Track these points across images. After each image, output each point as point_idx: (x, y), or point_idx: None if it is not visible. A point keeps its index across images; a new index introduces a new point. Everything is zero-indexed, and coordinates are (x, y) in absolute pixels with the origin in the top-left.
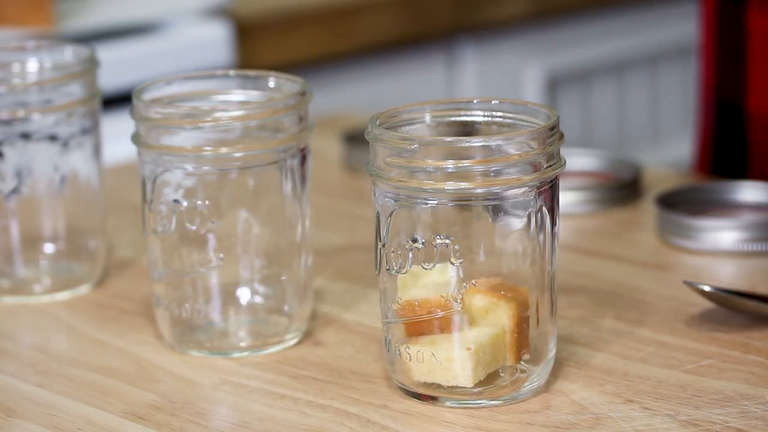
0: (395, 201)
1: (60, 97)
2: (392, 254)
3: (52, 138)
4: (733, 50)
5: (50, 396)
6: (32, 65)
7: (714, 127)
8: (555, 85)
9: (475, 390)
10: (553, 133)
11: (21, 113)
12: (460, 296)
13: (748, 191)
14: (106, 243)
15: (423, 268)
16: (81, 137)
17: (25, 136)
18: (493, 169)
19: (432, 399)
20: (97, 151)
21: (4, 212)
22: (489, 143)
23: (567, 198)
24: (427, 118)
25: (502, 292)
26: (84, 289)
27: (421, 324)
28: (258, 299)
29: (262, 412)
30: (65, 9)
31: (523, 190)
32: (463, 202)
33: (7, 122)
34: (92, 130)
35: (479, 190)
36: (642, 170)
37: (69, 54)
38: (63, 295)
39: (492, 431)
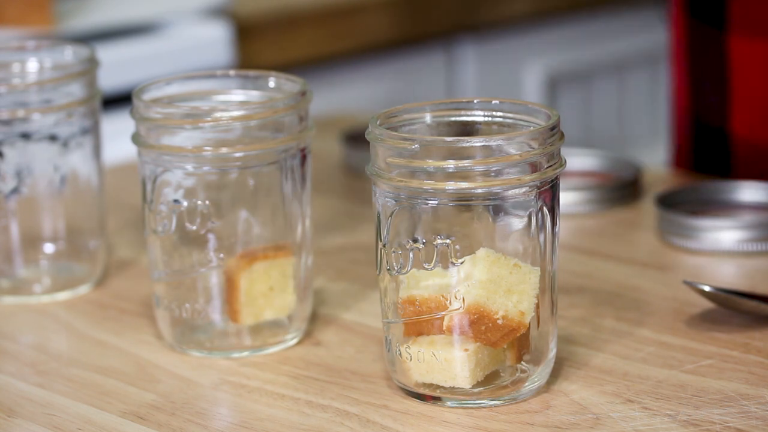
0: (396, 201)
1: (60, 97)
2: (393, 254)
3: (52, 138)
4: (713, 75)
5: (50, 396)
6: (32, 65)
7: (693, 148)
8: (555, 85)
9: (476, 390)
10: (554, 133)
11: (21, 113)
12: (461, 297)
13: (748, 191)
14: (106, 243)
15: (424, 268)
16: (81, 137)
17: (25, 136)
18: (494, 169)
19: (432, 399)
20: (97, 151)
21: (4, 212)
22: (489, 143)
23: (567, 198)
24: (428, 118)
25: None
26: (84, 289)
27: (422, 324)
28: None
29: (262, 412)
30: (65, 9)
31: (523, 190)
32: (464, 202)
33: (7, 122)
34: (92, 130)
35: (480, 190)
36: (642, 170)
37: (69, 54)
38: (63, 295)
39: (492, 431)
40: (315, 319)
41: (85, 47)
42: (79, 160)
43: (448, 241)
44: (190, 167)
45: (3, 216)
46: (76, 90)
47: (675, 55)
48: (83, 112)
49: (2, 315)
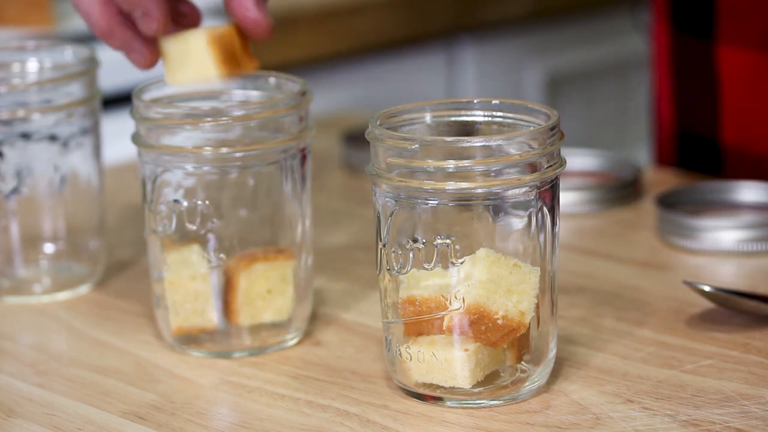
0: (396, 201)
1: (60, 97)
2: (393, 254)
3: (52, 138)
4: (700, 85)
5: (50, 396)
6: (32, 65)
7: (678, 158)
8: (555, 85)
9: (476, 390)
10: (554, 133)
11: (21, 113)
12: (461, 297)
13: (748, 191)
14: (106, 243)
15: (424, 268)
16: (81, 137)
17: (25, 136)
18: (494, 169)
19: (432, 399)
20: (97, 151)
21: (4, 212)
22: (489, 143)
23: (567, 198)
24: (428, 118)
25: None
26: (84, 289)
27: (421, 324)
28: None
29: (262, 412)
30: (65, 9)
31: (523, 190)
32: (464, 202)
33: (7, 122)
34: (92, 130)
35: (480, 190)
36: (642, 170)
37: (69, 54)
38: (63, 295)
39: (492, 431)
40: (315, 319)
41: (85, 47)
42: (79, 160)
43: (448, 241)
44: (190, 167)
45: (3, 216)
46: (76, 90)
47: (658, 66)
48: (83, 112)
49: (2, 315)
